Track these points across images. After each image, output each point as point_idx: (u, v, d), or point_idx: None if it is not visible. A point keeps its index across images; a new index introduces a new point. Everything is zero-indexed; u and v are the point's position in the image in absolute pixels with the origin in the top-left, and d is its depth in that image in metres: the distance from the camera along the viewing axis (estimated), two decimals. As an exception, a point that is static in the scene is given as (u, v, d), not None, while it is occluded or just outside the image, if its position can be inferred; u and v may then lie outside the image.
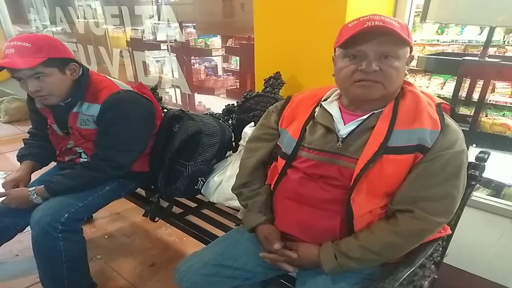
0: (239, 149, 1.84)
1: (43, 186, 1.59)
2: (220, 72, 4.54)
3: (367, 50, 1.01)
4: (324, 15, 1.70)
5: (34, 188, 1.59)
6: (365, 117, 1.11)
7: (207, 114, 2.06)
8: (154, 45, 3.88)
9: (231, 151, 1.96)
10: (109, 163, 1.62)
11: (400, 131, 1.05)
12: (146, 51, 3.91)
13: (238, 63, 4.01)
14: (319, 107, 1.22)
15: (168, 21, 3.29)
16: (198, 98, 3.99)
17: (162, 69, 4.09)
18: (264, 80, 1.92)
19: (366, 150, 1.06)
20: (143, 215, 1.80)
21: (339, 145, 1.11)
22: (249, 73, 3.15)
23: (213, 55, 3.53)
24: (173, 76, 3.65)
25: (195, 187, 1.83)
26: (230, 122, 2.04)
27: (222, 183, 1.80)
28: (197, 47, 3.57)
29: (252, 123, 1.84)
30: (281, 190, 1.24)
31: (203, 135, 1.79)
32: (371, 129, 1.09)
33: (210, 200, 1.82)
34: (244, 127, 1.90)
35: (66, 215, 1.53)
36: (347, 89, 1.09)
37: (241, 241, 1.31)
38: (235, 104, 2.05)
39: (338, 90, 1.21)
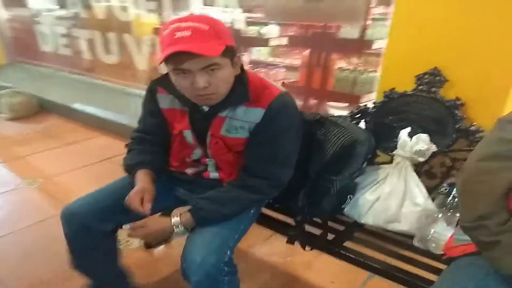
0: (396, 160, 1.53)
1: (189, 215, 1.24)
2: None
3: None
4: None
5: (177, 217, 1.24)
6: None
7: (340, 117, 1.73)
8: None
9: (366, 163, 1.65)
10: (270, 181, 1.29)
11: None
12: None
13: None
14: None
15: (226, 6, 2.92)
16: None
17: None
18: (417, 76, 1.62)
19: None
20: (287, 242, 1.47)
21: None
22: (320, 67, 2.84)
23: (269, 45, 3.17)
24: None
25: (342, 207, 1.53)
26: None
27: (380, 201, 1.49)
28: (247, 36, 3.20)
29: (409, 129, 1.54)
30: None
31: (357, 144, 1.48)
32: None
33: (362, 222, 1.52)
34: (386, 132, 1.62)
35: (228, 252, 1.19)
36: None
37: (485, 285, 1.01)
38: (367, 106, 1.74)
39: None
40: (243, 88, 1.24)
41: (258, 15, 3.11)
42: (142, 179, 1.33)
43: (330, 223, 1.55)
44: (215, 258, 1.16)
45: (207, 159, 1.39)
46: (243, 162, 1.33)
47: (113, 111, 3.79)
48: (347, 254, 1.37)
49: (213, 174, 1.41)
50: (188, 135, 1.35)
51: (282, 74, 3.42)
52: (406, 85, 1.67)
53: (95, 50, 4.19)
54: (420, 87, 1.61)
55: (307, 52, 2.89)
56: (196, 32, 1.05)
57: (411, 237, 1.41)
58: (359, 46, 2.67)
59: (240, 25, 3.13)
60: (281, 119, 1.26)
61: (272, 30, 3.10)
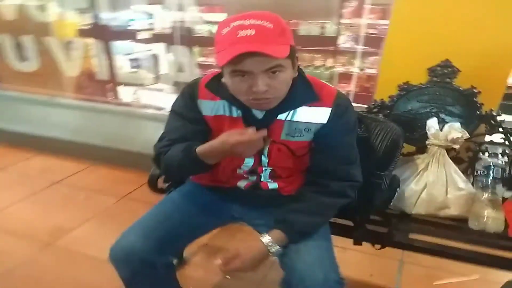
0: (432, 150, 1.61)
1: (279, 232, 1.15)
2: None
3: None
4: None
5: (269, 239, 1.14)
6: None
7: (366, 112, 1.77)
8: (128, 34, 3.25)
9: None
10: (352, 183, 1.26)
11: None
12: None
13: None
14: None
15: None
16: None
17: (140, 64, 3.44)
18: (429, 69, 1.71)
19: None
20: (354, 244, 1.46)
21: None
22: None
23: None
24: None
25: (392, 200, 1.57)
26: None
27: (428, 191, 1.57)
28: (197, 35, 3.07)
29: (435, 119, 1.65)
30: None
31: (402, 138, 1.53)
32: None
33: (413, 212, 1.58)
34: (407, 124, 1.70)
35: (336, 263, 1.16)
36: None
37: None
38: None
39: None
40: (308, 88, 1.17)
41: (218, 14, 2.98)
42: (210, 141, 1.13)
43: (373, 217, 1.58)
44: (336, 273, 1.12)
45: (262, 168, 1.30)
46: (316, 166, 1.26)
47: (45, 126, 3.30)
48: (420, 246, 1.44)
49: (272, 185, 1.32)
50: None
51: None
52: (411, 78, 1.76)
53: (2, 56, 3.58)
54: (434, 79, 1.71)
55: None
56: (261, 31, 0.97)
57: (463, 220, 1.51)
58: (322, 43, 2.74)
59: (190, 24, 2.97)
60: (348, 117, 1.23)
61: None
